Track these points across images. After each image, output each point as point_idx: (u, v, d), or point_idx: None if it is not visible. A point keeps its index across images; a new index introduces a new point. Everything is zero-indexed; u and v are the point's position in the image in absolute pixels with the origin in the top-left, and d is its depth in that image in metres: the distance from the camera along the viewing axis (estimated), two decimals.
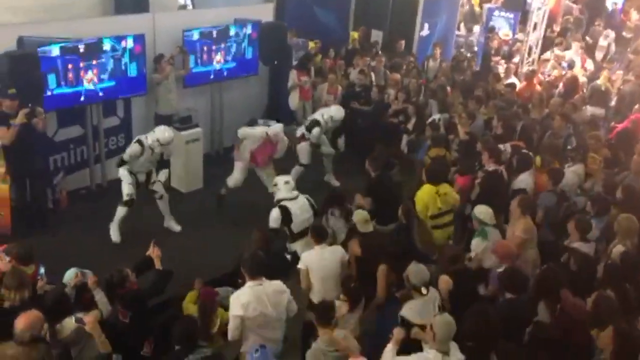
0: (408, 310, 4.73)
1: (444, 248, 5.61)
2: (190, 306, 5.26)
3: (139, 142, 7.11)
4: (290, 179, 6.61)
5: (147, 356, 4.89)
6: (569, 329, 4.54)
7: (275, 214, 6.32)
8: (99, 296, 4.84)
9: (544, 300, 4.83)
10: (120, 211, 7.25)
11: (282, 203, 6.35)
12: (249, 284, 4.71)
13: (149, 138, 7.14)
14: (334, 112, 8.60)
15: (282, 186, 6.44)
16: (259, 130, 7.78)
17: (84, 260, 5.38)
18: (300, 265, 5.50)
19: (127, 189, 7.19)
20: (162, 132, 7.20)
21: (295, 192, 6.47)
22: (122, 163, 7.18)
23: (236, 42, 9.34)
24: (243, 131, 7.78)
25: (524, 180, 7.13)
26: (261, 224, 6.27)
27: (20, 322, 4.13)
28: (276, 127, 7.86)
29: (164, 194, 7.52)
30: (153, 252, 5.32)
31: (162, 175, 7.56)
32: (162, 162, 7.86)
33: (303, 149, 8.60)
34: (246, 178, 8.06)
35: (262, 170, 7.99)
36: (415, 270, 4.82)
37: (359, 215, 5.98)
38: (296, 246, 6.28)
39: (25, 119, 6.72)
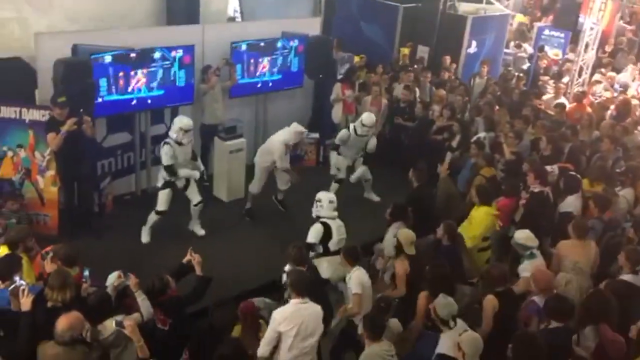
0: (446, 347, 4.59)
1: (490, 267, 5.46)
2: None
3: (165, 142, 7.17)
4: (335, 198, 6.55)
5: None
6: None
7: (317, 230, 6.31)
8: (141, 298, 4.87)
9: (590, 327, 4.66)
10: (153, 217, 7.42)
11: (324, 220, 6.34)
12: (294, 301, 4.73)
13: (172, 134, 7.15)
14: (363, 117, 8.42)
15: (326, 204, 6.41)
16: (277, 151, 7.75)
17: (126, 264, 5.47)
18: (357, 290, 5.40)
19: (161, 204, 7.33)
20: (181, 120, 7.20)
21: (335, 213, 6.45)
22: (170, 170, 7.19)
23: (283, 54, 9.43)
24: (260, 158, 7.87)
25: (571, 203, 6.97)
26: (299, 236, 6.27)
27: (61, 323, 4.21)
28: (290, 137, 7.80)
29: (199, 200, 7.57)
30: (194, 259, 5.36)
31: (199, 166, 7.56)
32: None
33: (331, 158, 8.64)
34: (287, 189, 8.16)
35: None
36: (444, 304, 4.69)
37: (405, 235, 5.90)
38: (320, 263, 6.25)
39: (75, 126, 6.87)
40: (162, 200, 7.35)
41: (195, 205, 7.58)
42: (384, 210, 6.81)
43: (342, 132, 8.52)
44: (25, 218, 6.99)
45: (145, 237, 7.49)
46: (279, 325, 4.63)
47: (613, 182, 7.47)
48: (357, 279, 5.43)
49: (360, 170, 8.73)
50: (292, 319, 4.62)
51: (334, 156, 8.65)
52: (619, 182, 7.51)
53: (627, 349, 4.53)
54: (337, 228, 6.35)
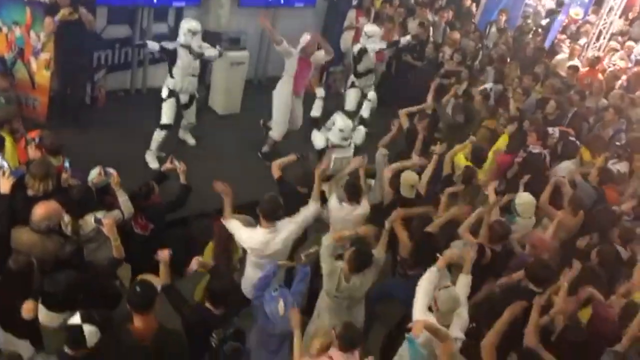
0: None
1: (494, 222, 5.39)
2: (208, 257, 5.12)
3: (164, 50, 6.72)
4: (347, 127, 6.35)
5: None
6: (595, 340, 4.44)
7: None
8: (123, 198, 4.75)
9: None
10: (157, 135, 7.00)
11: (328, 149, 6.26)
12: (262, 230, 4.69)
13: (180, 37, 6.73)
14: (365, 28, 8.12)
15: (336, 131, 6.30)
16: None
17: (108, 161, 5.25)
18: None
19: (166, 116, 6.93)
20: (188, 22, 6.80)
21: (347, 142, 6.30)
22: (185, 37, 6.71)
23: None
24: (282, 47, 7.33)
25: (565, 168, 6.94)
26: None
27: (38, 211, 4.15)
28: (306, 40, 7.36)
29: (193, 122, 7.40)
30: (179, 168, 5.25)
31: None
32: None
33: (351, 94, 8.24)
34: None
35: (297, 99, 7.72)
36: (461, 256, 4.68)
37: (406, 177, 5.78)
38: None
39: (74, 15, 6.59)
40: (167, 112, 6.92)
41: (188, 123, 7.42)
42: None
43: (355, 47, 8.12)
44: (14, 99, 6.78)
45: (153, 163, 7.00)
46: (243, 244, 4.74)
47: (609, 153, 7.39)
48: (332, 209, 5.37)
49: (371, 95, 8.29)
50: (258, 247, 4.68)
51: (354, 93, 8.22)
52: (616, 154, 7.43)
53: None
54: (339, 158, 6.21)
